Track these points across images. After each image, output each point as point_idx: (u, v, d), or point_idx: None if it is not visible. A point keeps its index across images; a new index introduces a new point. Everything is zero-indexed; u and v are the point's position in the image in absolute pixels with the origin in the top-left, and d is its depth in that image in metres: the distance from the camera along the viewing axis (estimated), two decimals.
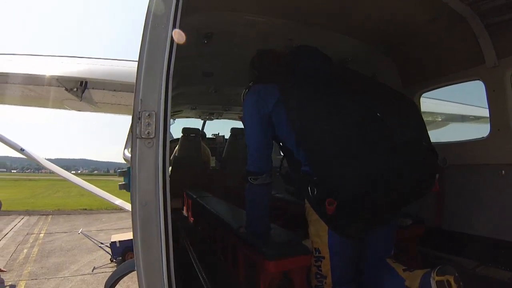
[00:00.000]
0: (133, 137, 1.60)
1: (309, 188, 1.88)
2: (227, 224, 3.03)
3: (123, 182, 4.21)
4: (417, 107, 2.25)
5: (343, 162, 1.80)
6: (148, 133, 1.60)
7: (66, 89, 5.21)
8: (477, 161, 3.61)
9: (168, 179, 1.67)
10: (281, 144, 2.32)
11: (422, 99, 4.51)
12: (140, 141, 1.60)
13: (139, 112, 1.60)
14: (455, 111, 6.89)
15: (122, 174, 4.50)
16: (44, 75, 5.15)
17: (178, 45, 1.91)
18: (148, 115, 1.60)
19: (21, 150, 5.89)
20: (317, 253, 2.12)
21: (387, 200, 1.84)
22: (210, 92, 6.79)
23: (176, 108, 8.55)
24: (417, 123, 2.06)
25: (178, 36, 1.68)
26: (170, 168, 9.01)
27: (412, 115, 2.09)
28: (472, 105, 6.52)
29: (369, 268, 2.22)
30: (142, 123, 1.59)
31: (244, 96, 2.51)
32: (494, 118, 3.43)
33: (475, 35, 3.38)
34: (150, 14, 1.65)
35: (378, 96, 2.13)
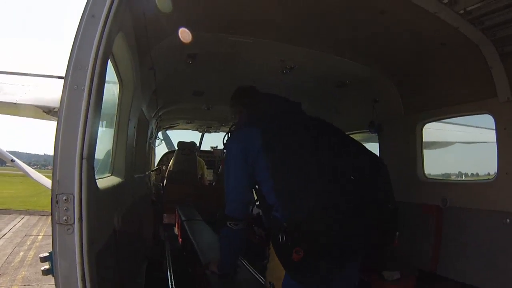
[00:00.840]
0: (53, 222, 1.48)
1: (279, 234, 2.00)
2: (199, 259, 3.33)
3: (47, 267, 3.89)
4: (386, 168, 2.27)
5: (315, 217, 1.97)
6: (66, 219, 1.47)
7: None
8: (480, 205, 3.32)
9: (93, 266, 1.54)
10: (256, 186, 2.38)
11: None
12: (60, 227, 1.47)
13: (56, 195, 1.46)
14: (461, 137, 6.27)
15: (44, 260, 4.24)
16: None
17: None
18: (66, 199, 1.46)
19: (12, 161, 5.63)
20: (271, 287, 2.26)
21: (348, 252, 2.07)
22: (203, 109, 6.66)
23: (172, 122, 8.39)
24: (385, 183, 2.20)
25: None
26: (165, 182, 8.88)
27: (382, 174, 2.23)
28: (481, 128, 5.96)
29: None
30: (60, 208, 1.46)
31: (227, 141, 2.54)
32: (503, 160, 3.06)
33: (488, 65, 3.04)
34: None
35: (352, 154, 2.29)
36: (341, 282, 2.20)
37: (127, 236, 3.23)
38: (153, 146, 5.61)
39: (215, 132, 9.78)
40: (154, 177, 9.55)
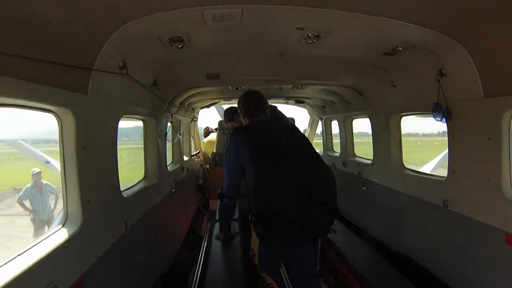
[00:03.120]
0: None
1: (252, 216, 3.07)
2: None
3: None
4: (330, 176, 3.09)
5: (270, 208, 2.93)
6: None
7: None
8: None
9: None
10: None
11: None
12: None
13: None
14: None
15: None
16: None
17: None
18: None
19: (47, 163, 5.65)
20: (252, 252, 4.45)
21: (295, 233, 2.94)
22: (231, 90, 5.76)
23: (204, 103, 7.68)
24: (327, 188, 3.03)
25: None
26: (208, 166, 8.39)
27: (326, 181, 3.04)
28: None
29: (297, 280, 3.40)
30: None
31: (228, 140, 3.27)
32: None
33: None
34: None
35: (311, 171, 3.02)
36: (295, 250, 3.12)
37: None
38: (168, 140, 4.97)
39: None
40: (201, 159, 9.14)
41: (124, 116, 3.40)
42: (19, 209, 9.11)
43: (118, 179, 3.15)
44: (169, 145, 5.44)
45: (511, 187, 2.82)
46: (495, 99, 2.77)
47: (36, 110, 2.12)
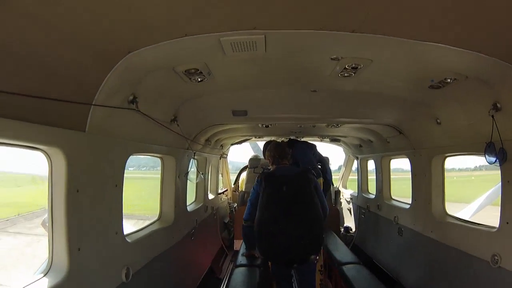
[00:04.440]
0: None
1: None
2: None
3: None
4: (317, 219, 3.75)
5: (264, 239, 3.73)
6: None
7: None
8: None
9: None
10: None
11: None
12: None
13: None
14: None
15: None
16: None
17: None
18: None
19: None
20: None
21: (287, 258, 3.73)
22: (261, 127, 5.60)
23: (236, 139, 7.59)
24: (312, 233, 3.70)
25: None
26: (236, 204, 8.15)
27: (315, 226, 3.74)
28: None
29: None
30: None
31: (258, 177, 4.03)
32: None
33: None
34: None
35: (300, 214, 3.70)
36: (289, 268, 4.02)
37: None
38: (189, 180, 4.76)
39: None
40: (231, 196, 8.89)
41: (134, 154, 3.18)
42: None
43: (122, 223, 2.89)
44: (192, 182, 5.18)
45: None
46: None
47: (24, 148, 1.97)
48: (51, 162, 2.12)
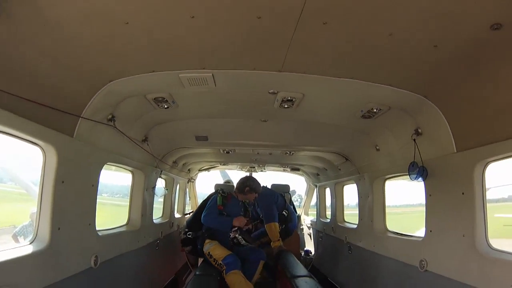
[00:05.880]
0: None
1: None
2: None
3: None
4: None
5: None
6: None
7: None
8: None
9: None
10: None
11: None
12: None
13: None
14: None
15: None
16: None
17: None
18: None
19: None
20: None
21: None
22: (223, 153, 6.00)
23: (202, 165, 7.92)
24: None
25: None
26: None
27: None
28: None
29: None
30: None
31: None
32: None
33: None
34: None
35: None
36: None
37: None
38: (156, 195, 5.11)
39: (261, 171, 8.93)
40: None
41: (109, 163, 3.68)
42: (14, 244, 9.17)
43: (94, 218, 3.34)
44: (161, 200, 5.59)
45: (486, 242, 2.72)
46: (466, 152, 2.86)
47: (26, 142, 2.50)
48: (45, 156, 2.63)
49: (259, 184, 5.57)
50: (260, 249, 5.58)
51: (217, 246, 5.10)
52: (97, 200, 3.35)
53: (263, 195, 6.13)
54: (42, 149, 2.61)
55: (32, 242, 2.56)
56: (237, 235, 5.19)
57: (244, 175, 6.46)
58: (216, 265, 4.94)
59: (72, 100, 2.71)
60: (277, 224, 6.02)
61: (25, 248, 2.46)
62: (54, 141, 2.60)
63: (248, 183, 5.43)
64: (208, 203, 5.39)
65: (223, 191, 5.48)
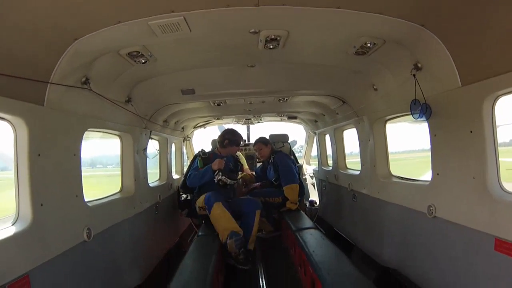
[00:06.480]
0: None
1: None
2: None
3: None
4: None
5: None
6: None
7: None
8: None
9: None
10: None
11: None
12: None
13: None
14: None
15: None
16: None
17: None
18: None
19: None
20: None
21: None
22: (213, 106, 5.77)
23: (197, 122, 7.59)
24: None
25: None
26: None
27: None
28: None
29: None
30: None
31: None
32: None
33: None
34: None
35: None
36: None
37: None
38: (148, 157, 5.04)
39: (258, 123, 8.65)
40: None
41: (90, 129, 3.41)
42: None
43: (82, 188, 3.14)
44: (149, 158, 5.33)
45: (499, 184, 2.49)
46: (473, 86, 2.53)
47: None
48: (15, 130, 2.45)
49: (240, 136, 5.45)
50: (253, 198, 5.41)
51: (201, 197, 5.06)
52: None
53: (281, 154, 6.04)
54: (10, 122, 2.42)
55: (14, 223, 2.43)
56: (220, 177, 4.98)
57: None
58: (205, 213, 4.92)
59: (35, 66, 2.43)
60: (298, 185, 5.87)
61: (6, 230, 2.32)
62: (21, 112, 2.37)
63: (227, 136, 5.35)
64: (190, 168, 5.40)
65: (203, 153, 5.42)
